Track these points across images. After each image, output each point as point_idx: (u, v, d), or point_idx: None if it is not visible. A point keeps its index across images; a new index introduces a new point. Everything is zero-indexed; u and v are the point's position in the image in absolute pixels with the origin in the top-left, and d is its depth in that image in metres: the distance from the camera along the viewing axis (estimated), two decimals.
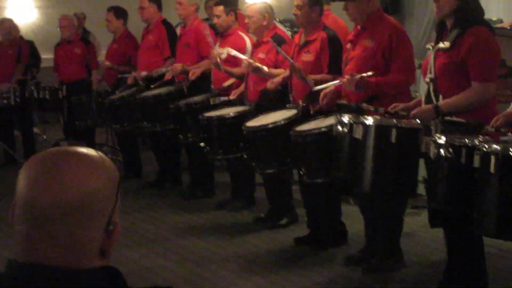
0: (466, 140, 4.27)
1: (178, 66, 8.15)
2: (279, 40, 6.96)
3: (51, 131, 11.49)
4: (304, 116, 6.07)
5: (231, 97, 7.40)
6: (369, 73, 5.33)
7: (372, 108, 5.23)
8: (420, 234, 6.34)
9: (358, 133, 4.80)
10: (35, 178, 1.65)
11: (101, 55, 10.08)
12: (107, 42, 9.98)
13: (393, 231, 5.57)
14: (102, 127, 9.90)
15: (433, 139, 4.43)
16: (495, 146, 4.01)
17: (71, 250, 1.64)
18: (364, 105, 5.31)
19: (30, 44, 11.45)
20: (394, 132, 4.71)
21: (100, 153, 1.74)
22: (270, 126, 6.20)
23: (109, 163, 1.73)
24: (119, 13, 9.38)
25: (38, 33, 13.48)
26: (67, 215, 1.62)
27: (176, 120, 7.79)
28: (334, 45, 6.22)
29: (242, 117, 6.66)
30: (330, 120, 5.44)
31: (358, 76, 5.33)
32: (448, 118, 4.63)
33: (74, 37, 10.03)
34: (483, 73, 4.75)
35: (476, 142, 4.18)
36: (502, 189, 3.97)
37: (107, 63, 9.39)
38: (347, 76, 5.44)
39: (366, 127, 4.80)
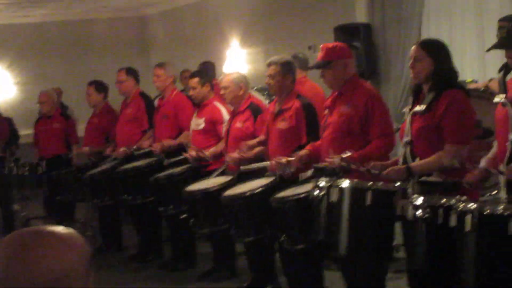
0: (443, 200, 4.26)
1: (157, 147, 8.16)
2: (256, 110, 7.00)
3: (31, 207, 11.39)
4: (283, 183, 6.06)
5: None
6: (348, 153, 5.34)
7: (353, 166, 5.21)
8: None
9: (334, 197, 4.80)
10: (5, 263, 1.62)
11: (80, 130, 10.05)
12: (85, 117, 10.00)
13: None
14: (83, 201, 9.84)
15: (411, 200, 4.43)
16: (471, 204, 4.00)
17: None
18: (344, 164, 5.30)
19: (9, 121, 11.45)
20: (369, 195, 4.70)
21: (70, 230, 1.72)
22: (248, 194, 6.18)
23: (80, 240, 1.71)
24: (100, 87, 9.40)
25: (17, 109, 13.50)
26: None
27: (157, 192, 7.75)
28: (309, 113, 6.26)
29: (225, 189, 6.62)
30: (309, 186, 5.44)
31: (338, 159, 5.34)
32: (424, 178, 4.63)
33: (54, 112, 10.03)
34: (456, 135, 4.77)
35: (453, 201, 4.18)
36: (478, 247, 3.95)
37: (86, 149, 9.35)
38: (328, 159, 5.44)
39: (341, 190, 4.79)
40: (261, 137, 6.64)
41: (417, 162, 4.78)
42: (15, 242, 1.65)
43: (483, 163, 4.66)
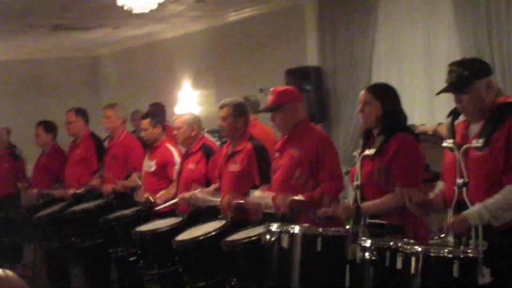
0: (391, 243, 4.29)
1: (108, 188, 8.10)
2: (208, 151, 7.00)
3: None
4: (234, 226, 6.04)
5: (158, 201, 7.34)
6: (300, 197, 5.36)
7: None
8: None
9: (285, 243, 4.80)
10: None
11: (28, 170, 9.94)
12: (34, 156, 9.90)
13: None
14: (30, 243, 9.70)
15: (359, 242, 4.45)
16: (416, 247, 4.04)
17: None
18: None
19: None
20: (319, 241, 4.71)
21: (9, 273, 1.70)
22: (201, 238, 6.13)
23: (19, 283, 1.68)
24: (49, 127, 9.32)
25: None
26: None
27: (106, 234, 7.68)
28: (260, 155, 6.26)
29: (176, 230, 6.55)
30: (260, 229, 5.44)
31: (288, 199, 5.37)
32: (371, 221, 4.66)
33: (3, 152, 9.91)
34: (406, 178, 4.82)
35: (399, 244, 4.21)
36: None
37: (34, 191, 9.25)
38: (280, 197, 5.46)
39: (292, 236, 4.79)
40: (216, 185, 6.62)
41: (367, 203, 4.81)
42: None
43: (432, 194, 4.71)
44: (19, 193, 9.75)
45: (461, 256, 3.89)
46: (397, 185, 4.83)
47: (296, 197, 5.39)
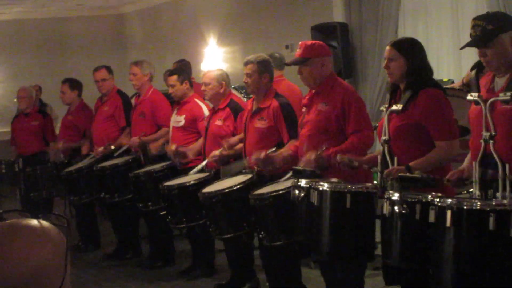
0: (420, 196, 4.31)
1: (135, 140, 8.16)
2: (236, 108, 7.02)
3: (7, 204, 11.36)
4: (260, 180, 6.09)
5: (188, 153, 7.40)
6: (323, 148, 5.38)
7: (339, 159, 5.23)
8: None
9: (314, 199, 4.83)
10: None
11: (57, 128, 10.03)
12: (60, 114, 9.99)
13: None
14: (59, 198, 9.81)
15: (387, 196, 4.48)
16: (449, 200, 4.06)
17: None
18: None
19: None
20: (348, 197, 4.74)
21: (44, 223, 1.69)
22: (226, 190, 6.20)
23: (56, 232, 1.69)
24: (74, 85, 9.37)
25: None
26: None
27: (135, 189, 7.76)
28: (287, 112, 6.28)
29: (203, 184, 6.63)
30: (287, 183, 5.48)
31: (313, 155, 5.39)
32: (402, 174, 4.67)
33: (32, 110, 9.99)
34: (446, 132, 4.82)
35: (430, 197, 4.23)
36: (457, 242, 4.00)
37: (60, 144, 9.33)
38: (303, 159, 5.48)
39: (321, 192, 4.83)
40: (242, 135, 6.67)
41: (416, 161, 4.76)
42: None
43: (466, 161, 4.72)
44: (48, 149, 9.85)
45: (498, 209, 3.90)
46: (438, 140, 4.82)
47: (320, 150, 5.39)
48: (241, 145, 6.69)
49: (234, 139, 6.79)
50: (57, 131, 10.05)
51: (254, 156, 6.15)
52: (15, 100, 10.30)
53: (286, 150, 6.03)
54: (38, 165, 9.42)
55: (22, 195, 9.88)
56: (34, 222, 1.68)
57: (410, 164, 4.75)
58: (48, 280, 1.62)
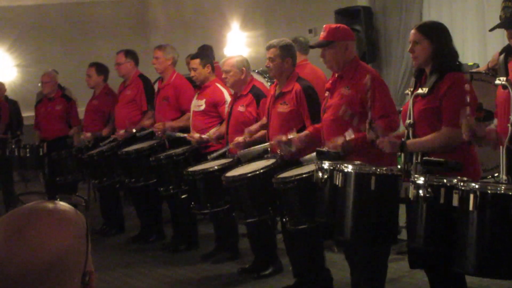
0: (445, 180, 4.29)
1: (159, 126, 8.16)
2: (258, 94, 7.01)
3: (32, 188, 11.46)
4: (284, 164, 6.09)
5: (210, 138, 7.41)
6: (352, 136, 5.35)
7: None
8: (405, 279, 6.33)
9: (338, 180, 4.82)
10: (3, 243, 1.59)
11: (80, 112, 10.06)
12: (83, 99, 10.02)
13: (377, 277, 5.54)
14: (83, 182, 9.87)
15: (412, 179, 4.46)
16: (473, 184, 4.04)
17: None
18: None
19: (13, 104, 11.47)
20: (373, 180, 4.72)
21: (63, 205, 1.69)
22: (250, 175, 6.20)
23: (75, 213, 1.69)
24: (101, 69, 9.40)
25: (18, 91, 13.53)
26: (41, 277, 1.58)
27: (157, 173, 7.79)
28: (310, 96, 6.25)
29: (227, 170, 6.63)
30: (311, 167, 5.47)
31: (341, 141, 5.36)
32: (427, 158, 4.65)
33: (55, 94, 10.03)
34: (453, 118, 4.78)
35: (455, 181, 4.21)
36: (481, 226, 3.99)
37: (88, 134, 9.36)
38: (329, 143, 5.47)
39: (345, 174, 4.81)
40: (263, 120, 6.66)
41: (412, 140, 4.79)
42: (9, 223, 1.63)
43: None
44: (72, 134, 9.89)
45: None
46: (444, 125, 4.80)
47: (348, 136, 5.38)
48: (262, 131, 6.69)
49: (255, 126, 6.79)
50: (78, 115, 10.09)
51: (275, 139, 6.14)
52: (39, 85, 10.35)
53: (303, 132, 6.02)
54: (63, 150, 9.45)
55: (47, 179, 9.94)
56: (54, 204, 1.68)
57: (407, 141, 4.75)
58: (70, 262, 1.62)
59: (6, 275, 1.57)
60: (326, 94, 5.83)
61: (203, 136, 7.48)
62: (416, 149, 4.77)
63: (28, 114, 12.22)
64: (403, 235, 5.09)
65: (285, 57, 6.41)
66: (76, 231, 1.65)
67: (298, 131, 6.17)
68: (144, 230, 8.73)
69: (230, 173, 6.40)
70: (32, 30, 14.65)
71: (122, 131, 8.64)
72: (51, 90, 9.98)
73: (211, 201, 6.85)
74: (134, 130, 8.56)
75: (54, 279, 1.59)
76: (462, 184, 4.10)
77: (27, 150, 10.01)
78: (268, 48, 6.50)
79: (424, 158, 4.65)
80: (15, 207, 1.69)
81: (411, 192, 4.40)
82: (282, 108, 6.34)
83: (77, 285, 1.64)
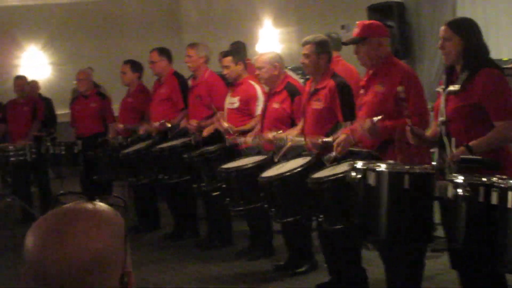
0: (484, 179, 4.28)
1: (193, 123, 8.20)
2: (293, 90, 7.00)
3: (67, 186, 11.54)
4: (319, 163, 6.09)
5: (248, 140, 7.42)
6: (379, 117, 5.35)
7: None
8: (441, 277, 6.31)
9: (371, 180, 4.81)
10: (43, 244, 1.61)
11: (114, 109, 10.13)
12: (117, 96, 10.08)
13: (414, 276, 5.52)
14: (119, 180, 9.93)
15: (451, 179, 4.44)
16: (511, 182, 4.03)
17: None
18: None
19: (47, 102, 11.57)
20: (407, 178, 4.71)
21: (102, 205, 1.70)
22: (286, 174, 6.21)
23: (114, 214, 1.70)
24: (135, 66, 9.44)
25: (52, 89, 13.64)
26: (81, 278, 1.59)
27: (191, 170, 7.82)
28: (343, 92, 6.24)
29: (260, 167, 6.65)
30: (345, 166, 5.47)
31: (368, 122, 5.36)
32: (464, 156, 4.63)
33: (90, 92, 10.10)
34: (505, 111, 4.76)
35: (493, 179, 4.19)
36: None
37: (121, 126, 9.42)
38: (357, 124, 5.47)
39: (379, 174, 4.80)
40: (300, 125, 6.64)
41: (475, 141, 4.72)
42: (49, 224, 1.64)
43: None
44: (107, 132, 9.95)
45: None
46: (496, 120, 4.77)
47: (375, 118, 5.37)
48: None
49: (294, 130, 6.74)
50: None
51: (311, 140, 6.14)
52: (74, 82, 10.42)
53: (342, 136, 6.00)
54: (99, 148, 9.51)
55: (82, 177, 10.02)
56: (93, 205, 1.69)
57: (470, 143, 4.71)
58: (109, 263, 1.63)
59: (47, 275, 1.59)
60: (361, 91, 5.83)
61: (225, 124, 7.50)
62: (483, 149, 4.72)
63: (62, 111, 12.33)
64: (439, 232, 5.08)
65: (320, 53, 6.40)
66: (115, 232, 1.67)
67: (332, 129, 6.18)
68: (178, 227, 8.78)
69: (265, 173, 6.39)
70: (66, 28, 14.76)
71: (156, 123, 8.67)
72: (86, 87, 10.05)
73: (245, 198, 6.86)
74: (168, 125, 8.59)
75: (93, 279, 1.60)
76: (501, 182, 4.08)
77: (62, 147, 10.08)
78: (304, 44, 6.49)
79: (462, 156, 4.63)
80: (54, 207, 1.70)
81: (450, 191, 4.38)
82: (316, 104, 6.34)
83: (115, 285, 1.65)
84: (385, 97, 5.54)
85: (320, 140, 6.06)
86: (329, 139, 6.01)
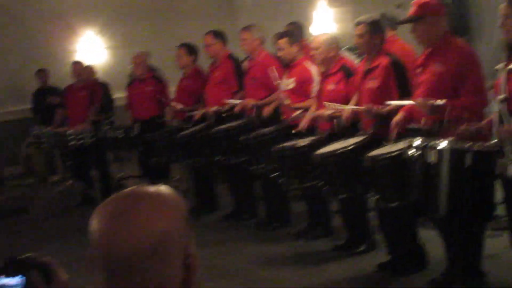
0: None
1: (250, 102, 8.23)
2: (348, 71, 6.98)
3: (126, 168, 11.68)
4: (374, 141, 6.08)
5: (302, 126, 7.40)
6: (441, 102, 5.31)
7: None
8: (502, 256, 6.24)
9: (431, 157, 4.79)
10: (108, 228, 1.64)
11: (170, 93, 10.20)
12: (172, 79, 10.13)
13: (474, 254, 5.51)
14: (177, 163, 10.01)
15: (511, 158, 4.40)
16: None
17: None
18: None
19: (104, 86, 11.69)
20: (469, 156, 4.68)
21: (165, 189, 1.73)
22: (340, 151, 6.22)
23: (176, 197, 1.72)
24: (191, 49, 9.49)
25: (109, 73, 13.76)
26: (145, 260, 1.62)
27: (248, 152, 7.86)
28: (398, 70, 6.22)
29: (315, 146, 6.67)
30: (402, 144, 5.45)
31: (430, 102, 5.32)
32: None
33: (146, 75, 10.18)
34: None
35: None
36: None
37: (178, 106, 9.49)
38: (420, 99, 5.44)
39: (440, 151, 4.77)
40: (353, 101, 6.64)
41: None
42: (114, 207, 1.67)
43: None
44: (164, 115, 10.02)
45: None
46: None
47: (437, 102, 5.33)
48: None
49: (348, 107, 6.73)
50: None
51: (365, 108, 6.13)
52: (131, 66, 10.51)
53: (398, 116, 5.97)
54: (156, 131, 9.60)
55: (140, 160, 10.12)
56: (155, 188, 1.71)
57: None
58: (173, 245, 1.66)
59: (112, 258, 1.63)
60: (418, 70, 5.79)
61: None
62: None
63: (119, 95, 12.45)
64: (499, 211, 5.04)
65: (374, 33, 6.39)
66: (177, 215, 1.69)
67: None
68: (237, 208, 8.83)
69: (320, 150, 6.41)
70: (122, 12, 14.83)
71: (213, 108, 8.73)
72: (143, 71, 10.13)
73: (299, 177, 6.89)
74: (225, 109, 8.64)
75: (157, 261, 1.63)
76: None
77: (120, 131, 10.19)
78: (357, 24, 6.48)
79: None
80: (116, 191, 1.73)
81: (510, 170, 4.34)
82: (371, 83, 6.33)
83: (179, 267, 1.68)
84: (443, 75, 5.51)
85: (376, 109, 6.02)
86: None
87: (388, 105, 6.04)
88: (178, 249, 1.68)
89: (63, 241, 8.45)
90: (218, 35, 9.05)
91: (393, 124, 5.82)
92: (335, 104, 6.71)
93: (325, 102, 6.83)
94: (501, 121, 4.89)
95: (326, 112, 6.82)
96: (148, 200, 1.68)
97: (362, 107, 6.32)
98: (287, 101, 7.62)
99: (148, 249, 1.62)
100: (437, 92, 5.47)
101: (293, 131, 7.42)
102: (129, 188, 1.74)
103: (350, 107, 6.57)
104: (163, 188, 1.73)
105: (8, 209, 10.17)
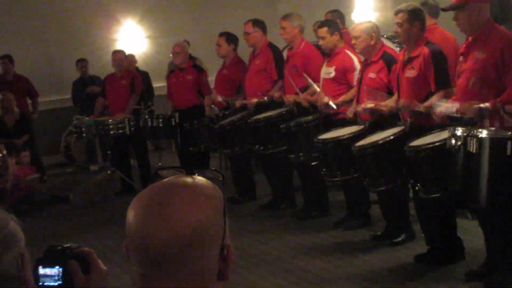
0: None
1: (290, 98, 8.19)
2: (389, 60, 6.92)
3: (165, 157, 11.74)
4: (414, 131, 6.02)
5: (349, 114, 7.34)
6: (488, 106, 5.22)
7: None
8: None
9: (472, 147, 4.73)
10: (144, 218, 1.63)
11: (210, 82, 10.20)
12: (212, 68, 10.13)
13: None
14: (215, 152, 10.01)
15: None
16: None
17: (190, 283, 1.64)
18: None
19: (145, 75, 11.72)
20: (510, 145, 4.61)
21: (203, 180, 1.72)
22: (380, 142, 6.17)
23: (213, 188, 1.71)
24: (231, 38, 9.49)
25: (149, 62, 13.84)
26: (181, 251, 1.61)
27: (287, 141, 7.84)
28: (437, 60, 6.14)
29: (357, 138, 6.62)
30: (444, 134, 5.39)
31: (477, 107, 5.25)
32: None
33: (186, 64, 10.19)
34: None
35: None
36: None
37: (219, 98, 9.48)
38: (465, 104, 5.36)
39: (480, 140, 4.72)
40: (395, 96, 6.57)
41: None
42: (150, 198, 1.67)
43: None
44: (203, 104, 10.03)
45: None
46: None
47: (482, 105, 5.26)
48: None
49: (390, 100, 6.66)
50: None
51: (402, 104, 6.07)
52: (171, 55, 10.52)
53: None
54: (195, 120, 9.61)
55: (179, 149, 10.14)
56: (192, 179, 1.71)
57: None
58: (209, 236, 1.65)
59: (148, 248, 1.62)
60: (460, 58, 5.73)
61: (332, 104, 7.43)
62: None
63: (159, 84, 12.50)
64: None
65: (413, 21, 6.31)
66: (214, 206, 1.68)
67: (426, 97, 6.09)
68: (275, 197, 8.82)
69: (359, 143, 6.38)
70: (161, 1, 14.88)
71: (254, 100, 8.73)
72: (182, 60, 10.13)
73: (341, 169, 6.85)
74: (265, 99, 8.63)
75: (194, 252, 1.62)
76: None
77: (160, 120, 10.21)
78: (397, 13, 6.42)
79: None
80: (153, 182, 1.72)
81: None
82: (410, 73, 6.27)
83: (215, 258, 1.67)
84: (486, 63, 5.44)
85: (414, 106, 5.97)
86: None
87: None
88: (214, 240, 1.67)
89: (103, 230, 8.51)
90: (258, 23, 9.03)
91: (440, 117, 5.75)
92: (376, 91, 6.66)
93: (366, 87, 6.79)
94: None
95: (369, 105, 6.75)
96: (185, 191, 1.67)
97: (400, 102, 6.25)
98: (326, 99, 7.53)
99: (183, 240, 1.61)
100: (480, 80, 5.40)
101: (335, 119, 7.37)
102: (166, 179, 1.73)
103: (389, 103, 6.51)
104: (200, 179, 1.72)
105: (49, 198, 10.25)
